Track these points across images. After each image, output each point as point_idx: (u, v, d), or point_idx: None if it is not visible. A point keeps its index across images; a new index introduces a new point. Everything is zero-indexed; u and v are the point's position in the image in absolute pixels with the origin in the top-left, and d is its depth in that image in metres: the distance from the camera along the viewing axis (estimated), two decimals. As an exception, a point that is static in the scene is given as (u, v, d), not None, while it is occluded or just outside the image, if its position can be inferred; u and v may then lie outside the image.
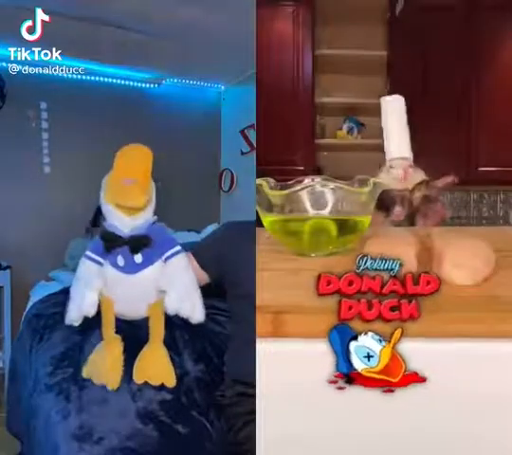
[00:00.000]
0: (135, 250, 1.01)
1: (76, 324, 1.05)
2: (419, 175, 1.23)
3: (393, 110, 1.19)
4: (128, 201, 1.01)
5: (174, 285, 1.03)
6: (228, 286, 1.25)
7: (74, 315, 1.05)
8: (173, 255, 1.05)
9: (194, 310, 1.03)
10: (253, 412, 0.70)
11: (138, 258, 1.02)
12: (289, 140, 2.58)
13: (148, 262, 1.03)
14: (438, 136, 2.47)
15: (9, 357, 1.90)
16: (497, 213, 2.77)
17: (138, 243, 1.02)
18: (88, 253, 1.07)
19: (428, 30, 2.46)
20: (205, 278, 1.27)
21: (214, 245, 1.27)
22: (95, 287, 1.04)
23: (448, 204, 2.80)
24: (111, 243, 1.02)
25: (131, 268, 1.03)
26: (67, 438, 1.00)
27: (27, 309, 2.07)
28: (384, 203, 1.17)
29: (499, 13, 2.43)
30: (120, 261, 1.02)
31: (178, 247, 1.07)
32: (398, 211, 1.19)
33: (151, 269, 1.03)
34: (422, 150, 2.49)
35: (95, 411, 1.06)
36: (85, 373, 1.11)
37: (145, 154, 1.16)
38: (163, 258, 1.05)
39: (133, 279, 1.03)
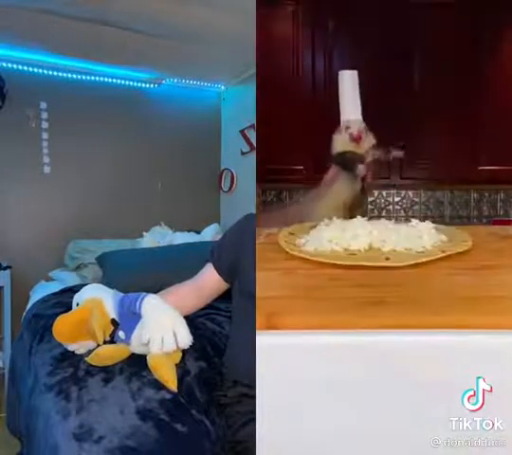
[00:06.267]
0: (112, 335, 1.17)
1: None
2: (370, 139, 1.36)
3: (349, 80, 1.38)
4: None
5: (152, 330, 1.12)
6: (236, 284, 1.25)
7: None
8: (140, 303, 1.16)
9: (177, 338, 1.12)
10: (254, 412, 0.70)
11: (122, 335, 1.16)
12: (289, 140, 2.57)
13: (129, 333, 1.16)
14: (439, 136, 2.47)
15: (9, 357, 1.90)
16: (497, 212, 2.77)
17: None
18: None
19: (427, 28, 2.46)
20: (223, 286, 1.29)
21: (231, 245, 1.25)
22: None
23: (448, 203, 2.80)
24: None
25: (124, 342, 1.18)
26: (67, 438, 1.00)
27: (27, 309, 2.07)
28: (346, 162, 1.34)
29: (500, 11, 2.42)
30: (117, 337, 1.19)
31: (141, 296, 1.18)
32: (362, 168, 1.33)
33: (135, 333, 1.15)
34: (423, 149, 2.50)
35: (95, 411, 1.06)
36: (90, 358, 1.17)
37: None
38: (137, 311, 1.15)
39: (131, 346, 1.18)
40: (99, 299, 1.19)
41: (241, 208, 2.90)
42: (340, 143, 1.35)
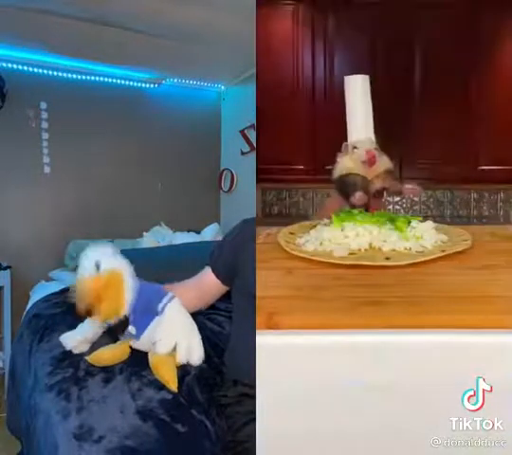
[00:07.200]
0: (119, 333, 1.13)
1: None
2: (384, 162, 1.14)
3: (357, 89, 1.14)
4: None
5: (167, 334, 1.11)
6: (236, 285, 1.25)
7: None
8: (164, 306, 1.14)
9: (191, 353, 1.13)
10: (254, 412, 0.70)
11: (132, 330, 1.13)
12: (289, 140, 2.57)
13: (141, 329, 1.13)
14: (439, 136, 2.47)
15: (9, 357, 1.89)
16: (497, 212, 2.77)
17: (116, 331, 1.14)
18: None
19: (428, 28, 2.46)
20: (222, 289, 1.30)
21: (229, 249, 1.26)
22: None
23: (448, 203, 2.80)
24: (112, 333, 1.16)
25: (132, 337, 1.14)
26: (67, 437, 1.00)
27: (27, 309, 2.06)
28: (345, 187, 1.13)
29: (500, 10, 2.43)
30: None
31: (169, 296, 1.15)
32: (360, 196, 1.10)
33: (148, 331, 1.13)
34: (423, 149, 2.50)
35: (95, 411, 1.06)
36: (90, 358, 1.17)
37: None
38: (158, 310, 1.13)
39: (139, 342, 1.16)
40: (119, 273, 1.11)
41: (241, 208, 2.91)
42: (345, 166, 1.13)
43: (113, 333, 1.16)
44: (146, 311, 1.13)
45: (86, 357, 1.17)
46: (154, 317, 1.13)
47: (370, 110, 1.13)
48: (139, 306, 1.12)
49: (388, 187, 1.14)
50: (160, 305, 1.13)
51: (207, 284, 1.29)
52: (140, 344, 1.17)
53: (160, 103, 3.06)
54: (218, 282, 1.27)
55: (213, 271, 1.27)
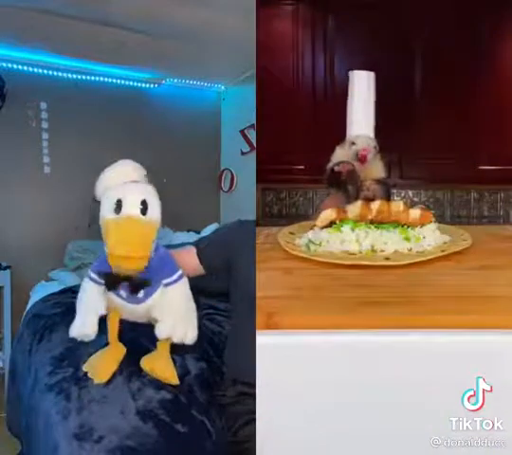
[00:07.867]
0: (134, 291, 1.02)
1: (79, 339, 1.08)
2: (376, 169, 1.14)
3: (361, 85, 1.14)
4: (129, 269, 0.98)
5: (169, 314, 1.07)
6: (232, 285, 1.25)
7: (76, 332, 1.08)
8: (172, 282, 1.08)
9: (186, 335, 1.08)
10: (254, 411, 0.70)
11: (140, 293, 1.04)
12: (289, 140, 2.57)
13: (149, 295, 1.06)
14: (439, 135, 2.47)
15: (9, 357, 1.89)
16: (497, 212, 2.77)
17: (137, 285, 1.02)
18: (91, 274, 1.07)
19: (428, 28, 2.46)
20: (199, 270, 1.27)
21: (221, 243, 1.27)
22: (97, 311, 1.06)
23: (448, 203, 2.80)
24: (111, 284, 1.03)
25: (133, 300, 1.06)
26: (67, 437, 1.00)
27: (27, 309, 2.06)
28: (337, 179, 1.12)
29: (500, 10, 2.43)
30: (123, 293, 1.05)
31: (179, 273, 1.09)
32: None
33: (152, 299, 1.07)
34: (424, 149, 2.50)
35: (95, 411, 1.06)
36: (85, 367, 1.14)
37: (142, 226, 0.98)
38: (163, 283, 1.07)
39: (136, 307, 1.08)
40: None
41: (241, 208, 2.91)
42: (339, 159, 1.14)
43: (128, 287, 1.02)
44: (157, 273, 1.05)
45: (84, 369, 1.15)
46: (158, 285, 1.06)
47: (372, 107, 1.13)
48: (155, 265, 1.02)
49: (376, 196, 1.13)
50: (166, 281, 1.07)
51: (188, 262, 1.24)
52: (135, 311, 1.10)
53: (160, 103, 3.06)
54: (197, 262, 1.26)
55: (198, 252, 1.26)
